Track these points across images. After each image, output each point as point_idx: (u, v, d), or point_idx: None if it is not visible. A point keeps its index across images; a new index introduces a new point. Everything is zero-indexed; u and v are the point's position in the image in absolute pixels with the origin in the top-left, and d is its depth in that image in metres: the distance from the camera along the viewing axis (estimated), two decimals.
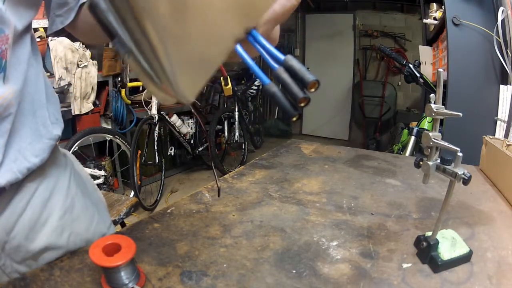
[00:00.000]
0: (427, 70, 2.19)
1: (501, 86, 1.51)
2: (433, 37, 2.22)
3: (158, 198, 2.98)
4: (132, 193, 2.73)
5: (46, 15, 0.57)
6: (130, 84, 2.88)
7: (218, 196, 0.75)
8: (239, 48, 0.32)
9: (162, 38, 0.26)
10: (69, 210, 0.58)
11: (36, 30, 2.28)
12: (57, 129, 0.56)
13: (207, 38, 0.28)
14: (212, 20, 0.27)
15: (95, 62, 2.63)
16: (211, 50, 0.29)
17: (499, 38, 1.46)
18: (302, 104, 0.29)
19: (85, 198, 0.63)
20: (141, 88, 2.99)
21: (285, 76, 0.30)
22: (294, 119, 0.30)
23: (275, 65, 0.31)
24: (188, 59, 0.29)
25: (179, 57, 0.28)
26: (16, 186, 0.50)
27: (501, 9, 1.44)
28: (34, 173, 0.52)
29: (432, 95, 0.53)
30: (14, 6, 0.45)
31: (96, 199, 0.67)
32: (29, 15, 0.49)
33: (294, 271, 0.52)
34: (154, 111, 2.85)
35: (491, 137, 0.93)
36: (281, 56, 0.32)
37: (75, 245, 0.58)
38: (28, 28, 0.50)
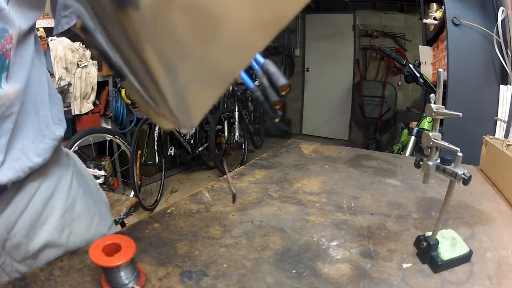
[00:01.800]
0: (427, 70, 2.19)
1: (501, 86, 1.50)
2: (433, 37, 2.22)
3: (158, 198, 2.98)
4: (132, 193, 2.73)
5: (52, 15, 0.58)
6: None
7: (233, 202, 0.73)
8: None
9: (167, 55, 0.24)
10: (69, 209, 0.58)
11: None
12: (60, 130, 0.56)
13: (229, 57, 0.26)
14: (236, 38, 0.25)
15: (95, 62, 2.63)
16: (229, 68, 0.27)
17: (499, 38, 1.46)
18: (277, 107, 0.31)
19: (87, 198, 0.63)
20: None
21: (264, 80, 0.32)
22: (277, 120, 0.32)
23: (257, 68, 0.33)
24: (201, 81, 0.27)
25: (188, 71, 0.26)
26: (18, 185, 0.51)
27: (501, 9, 1.44)
28: (36, 172, 0.52)
29: (432, 95, 0.53)
30: (18, 7, 0.45)
31: (98, 199, 0.67)
32: (33, 15, 0.49)
33: (294, 271, 0.52)
34: None
35: (491, 137, 0.93)
36: (261, 60, 0.33)
37: (74, 244, 0.58)
38: (32, 29, 0.50)
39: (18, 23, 0.45)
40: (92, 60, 2.63)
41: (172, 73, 0.25)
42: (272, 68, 0.32)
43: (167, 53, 0.24)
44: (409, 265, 0.54)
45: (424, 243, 0.55)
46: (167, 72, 0.25)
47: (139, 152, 2.80)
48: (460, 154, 0.48)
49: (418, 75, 2.03)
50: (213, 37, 0.25)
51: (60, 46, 2.39)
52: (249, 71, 0.35)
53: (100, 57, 0.33)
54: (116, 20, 0.23)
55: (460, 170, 0.49)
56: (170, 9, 0.22)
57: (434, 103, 0.52)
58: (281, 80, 0.31)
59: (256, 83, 0.35)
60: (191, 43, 0.24)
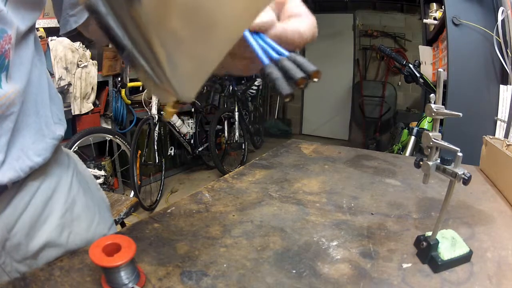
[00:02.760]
0: (427, 70, 2.19)
1: (501, 86, 1.51)
2: (433, 37, 2.22)
3: (158, 198, 2.98)
4: (132, 193, 2.73)
5: (56, 16, 0.58)
6: (130, 84, 2.88)
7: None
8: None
9: (165, 45, 0.27)
10: (70, 209, 0.58)
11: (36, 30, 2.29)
12: (60, 129, 0.56)
13: (214, 39, 0.28)
14: (222, 22, 0.27)
15: (95, 62, 2.63)
16: (216, 50, 0.30)
17: (499, 38, 1.46)
18: (302, 86, 0.31)
19: (87, 198, 0.63)
20: (141, 88, 2.99)
21: (287, 63, 0.32)
22: (287, 99, 0.32)
23: (276, 56, 0.34)
24: (191, 61, 0.30)
25: (182, 60, 0.29)
26: (18, 185, 0.51)
27: (501, 9, 1.45)
28: (37, 172, 0.52)
29: (432, 95, 0.53)
30: (16, 8, 0.45)
31: (99, 200, 0.67)
32: (32, 16, 0.49)
33: (294, 271, 0.52)
34: (154, 111, 2.85)
35: (491, 137, 0.92)
36: (285, 53, 0.34)
37: (75, 244, 0.58)
38: (31, 29, 0.51)
39: (17, 24, 0.45)
40: (92, 60, 2.63)
41: (168, 55, 0.28)
42: (300, 58, 0.33)
43: (166, 44, 0.27)
44: (409, 265, 0.54)
45: (424, 243, 0.55)
46: (168, 57, 0.28)
47: (139, 152, 2.80)
48: (460, 154, 0.48)
49: (418, 75, 2.04)
50: (205, 33, 0.27)
51: (60, 46, 2.39)
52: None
53: (103, 34, 0.34)
54: (126, 7, 0.25)
55: (460, 170, 0.49)
56: (166, 6, 0.25)
57: (434, 103, 0.52)
58: (312, 66, 0.32)
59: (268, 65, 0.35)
60: (185, 37, 0.27)
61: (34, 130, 0.51)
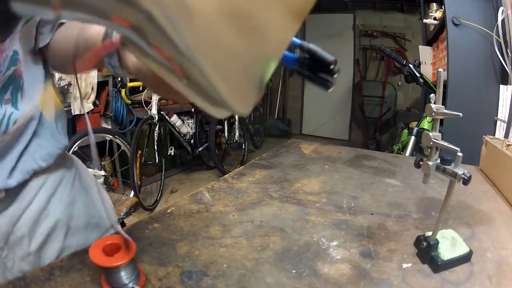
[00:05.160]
0: (427, 70, 2.19)
1: (501, 86, 1.51)
2: (433, 37, 2.22)
3: (158, 198, 2.98)
4: (132, 193, 2.73)
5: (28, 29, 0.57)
6: (130, 84, 2.87)
7: None
8: None
9: (218, 61, 0.25)
10: (70, 206, 0.60)
11: None
12: (65, 139, 0.60)
13: (266, 47, 0.27)
14: (268, 29, 0.26)
15: None
16: (269, 59, 0.28)
17: (499, 38, 1.46)
18: (333, 66, 0.32)
19: (87, 199, 0.65)
20: (141, 88, 2.99)
21: (311, 46, 0.33)
22: (330, 90, 0.32)
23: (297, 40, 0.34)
24: (246, 75, 0.28)
25: (237, 75, 0.27)
26: (23, 182, 0.53)
27: (501, 9, 1.45)
28: (42, 171, 0.56)
29: (432, 95, 0.53)
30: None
31: (100, 201, 0.69)
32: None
33: (294, 271, 0.52)
34: (154, 111, 2.85)
35: (491, 137, 0.93)
36: (297, 40, 0.34)
37: (73, 241, 0.60)
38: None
39: (23, 47, 0.49)
40: None
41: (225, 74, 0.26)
42: (313, 46, 0.33)
43: (218, 60, 0.25)
44: (409, 265, 0.54)
45: (424, 243, 0.55)
46: (221, 72, 0.26)
47: (139, 152, 2.80)
48: (460, 154, 0.48)
49: (418, 75, 2.03)
50: (259, 43, 0.26)
51: None
52: None
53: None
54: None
55: (460, 170, 0.49)
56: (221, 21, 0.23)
57: (434, 103, 0.52)
58: (330, 56, 0.33)
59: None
60: (239, 50, 0.25)
61: (42, 138, 0.54)
